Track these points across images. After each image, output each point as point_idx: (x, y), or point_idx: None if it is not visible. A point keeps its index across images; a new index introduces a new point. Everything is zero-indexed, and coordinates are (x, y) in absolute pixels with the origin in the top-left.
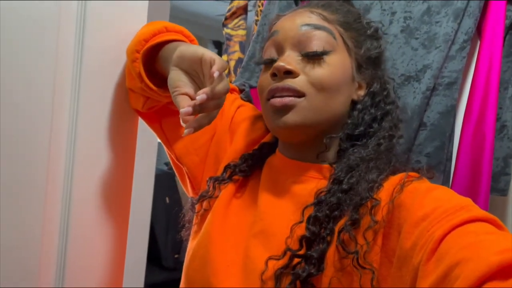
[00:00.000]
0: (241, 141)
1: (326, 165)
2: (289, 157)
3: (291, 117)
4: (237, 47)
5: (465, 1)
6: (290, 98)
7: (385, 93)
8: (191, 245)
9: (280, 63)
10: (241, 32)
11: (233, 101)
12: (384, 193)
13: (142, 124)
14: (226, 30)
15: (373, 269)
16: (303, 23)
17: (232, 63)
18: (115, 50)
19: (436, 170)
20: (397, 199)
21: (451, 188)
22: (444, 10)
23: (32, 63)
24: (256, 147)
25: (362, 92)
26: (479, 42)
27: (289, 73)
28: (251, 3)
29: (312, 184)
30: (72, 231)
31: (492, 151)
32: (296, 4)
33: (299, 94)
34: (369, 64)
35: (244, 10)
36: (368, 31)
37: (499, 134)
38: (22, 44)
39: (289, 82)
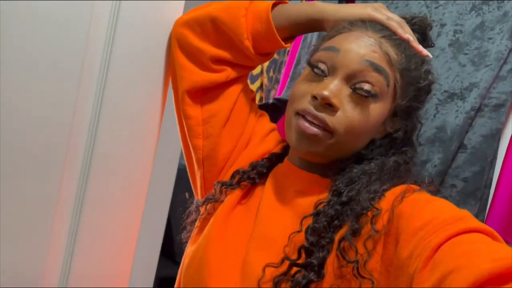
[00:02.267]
0: (254, 150)
1: (329, 179)
2: (296, 166)
3: (314, 148)
4: (273, 56)
5: None
6: (319, 131)
7: (407, 137)
8: (190, 249)
9: (325, 93)
10: None
11: (256, 111)
12: (385, 203)
13: (166, 121)
14: None
15: (373, 279)
16: (367, 58)
17: (266, 63)
18: (145, 44)
19: (473, 197)
20: (396, 209)
21: (487, 217)
22: (499, 27)
23: (61, 56)
24: (265, 157)
25: (384, 134)
26: None
27: (330, 106)
28: None
29: (314, 195)
30: (84, 219)
31: None
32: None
33: (329, 130)
34: (404, 114)
35: None
36: (422, 82)
37: None
38: (52, 39)
39: (325, 116)
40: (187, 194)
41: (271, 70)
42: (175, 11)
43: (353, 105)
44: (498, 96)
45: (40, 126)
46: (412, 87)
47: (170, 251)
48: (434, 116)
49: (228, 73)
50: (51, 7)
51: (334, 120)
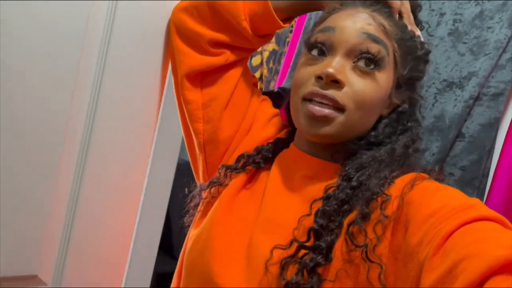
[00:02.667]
0: (257, 134)
1: (338, 164)
2: (303, 151)
3: (326, 130)
4: (272, 38)
5: None
6: (330, 111)
7: (411, 111)
8: (192, 233)
9: (330, 70)
10: None
11: (258, 95)
12: (394, 190)
13: (166, 114)
14: None
15: (382, 264)
16: (364, 30)
17: (266, 54)
18: (144, 31)
19: (470, 186)
20: (406, 196)
21: None
22: (499, 16)
23: (56, 56)
24: (270, 141)
25: (390, 109)
26: None
27: (336, 82)
28: None
29: (322, 180)
30: (79, 213)
31: None
32: None
33: (339, 108)
34: (408, 85)
35: None
36: (419, 51)
37: None
38: (48, 39)
39: (333, 93)
40: (187, 190)
41: (271, 61)
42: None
43: (359, 78)
44: (497, 85)
45: (38, 115)
46: (410, 56)
47: (169, 247)
48: (433, 105)
49: (227, 56)
50: (46, 7)
51: (343, 96)
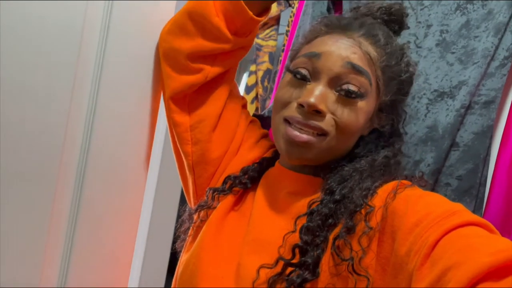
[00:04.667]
0: (245, 155)
1: (321, 178)
2: (287, 168)
3: (306, 155)
4: (266, 58)
5: (507, 15)
6: (309, 137)
7: (394, 129)
8: (183, 258)
9: (311, 100)
10: (272, 43)
11: (246, 116)
12: (378, 200)
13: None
14: (256, 40)
15: (368, 276)
16: (348, 59)
17: (260, 74)
18: (138, 46)
19: (468, 195)
20: (390, 206)
21: (483, 216)
22: (485, 24)
23: (55, 59)
24: (257, 161)
25: (371, 129)
26: None
27: (318, 112)
28: (284, 14)
29: (306, 195)
30: (79, 229)
31: None
32: (329, 12)
33: (320, 134)
34: (389, 108)
35: (276, 20)
36: (404, 75)
37: None
38: (46, 41)
39: (314, 121)
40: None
41: (266, 80)
42: (166, 17)
43: (340, 107)
44: (488, 93)
45: (34, 136)
46: (395, 81)
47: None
48: (425, 115)
49: (207, 72)
50: (43, 17)
51: (324, 125)
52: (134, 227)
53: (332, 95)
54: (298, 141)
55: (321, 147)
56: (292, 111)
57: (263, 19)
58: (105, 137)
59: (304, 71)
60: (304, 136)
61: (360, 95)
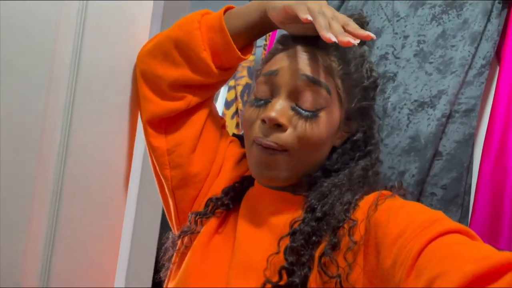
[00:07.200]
0: (226, 176)
1: (301, 195)
2: (266, 187)
3: (274, 173)
4: (245, 72)
5: (482, 24)
6: (272, 157)
7: (367, 136)
8: (170, 286)
9: (272, 114)
10: (250, 57)
11: (226, 137)
12: (360, 214)
13: None
14: None
15: None
16: (304, 72)
17: (239, 88)
18: (115, 55)
19: (454, 204)
20: (372, 218)
21: (470, 224)
22: (460, 34)
23: (28, 64)
24: (237, 181)
25: (343, 138)
26: (498, 68)
27: (279, 126)
28: None
29: (288, 213)
30: (55, 258)
31: None
32: None
33: (283, 149)
34: (358, 115)
35: None
36: (366, 81)
37: None
38: (18, 45)
39: (275, 138)
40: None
41: (245, 95)
42: (142, 39)
43: (301, 120)
44: (467, 101)
45: (7, 156)
46: (357, 88)
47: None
48: (407, 126)
49: (189, 100)
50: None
51: (286, 138)
52: (115, 252)
53: (292, 108)
54: (265, 162)
55: (288, 163)
56: (256, 132)
57: (248, 57)
58: (81, 157)
59: (264, 93)
60: (269, 157)
61: (316, 110)
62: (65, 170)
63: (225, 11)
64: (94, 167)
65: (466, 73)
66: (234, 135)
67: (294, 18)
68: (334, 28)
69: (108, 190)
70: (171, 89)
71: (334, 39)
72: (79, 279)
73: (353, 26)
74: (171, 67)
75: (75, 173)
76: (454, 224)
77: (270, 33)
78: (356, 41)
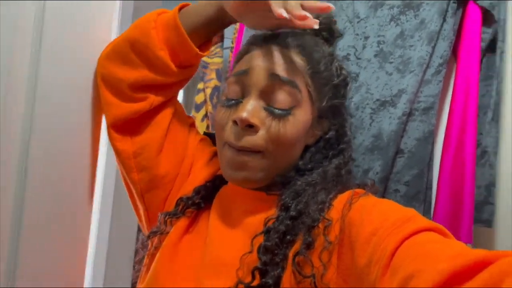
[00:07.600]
0: (198, 174)
1: (275, 194)
2: (239, 185)
3: (246, 175)
4: (213, 75)
5: (438, 24)
6: (248, 157)
7: (340, 134)
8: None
9: (243, 115)
10: (217, 59)
11: (195, 135)
12: (334, 213)
13: None
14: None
15: None
16: (273, 71)
17: (208, 91)
18: (76, 56)
19: (416, 200)
20: (346, 218)
21: (432, 219)
22: (418, 34)
23: None
24: (209, 180)
25: (316, 137)
26: (455, 66)
27: (251, 127)
28: (227, 30)
29: (262, 212)
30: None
31: (473, 179)
32: None
33: (257, 151)
34: (329, 113)
35: (220, 37)
36: (336, 79)
37: (480, 161)
38: None
39: (248, 140)
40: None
41: (215, 97)
42: (102, 44)
43: (273, 120)
44: (426, 100)
45: None
46: (327, 87)
47: None
48: (370, 125)
49: (152, 100)
50: None
51: (258, 140)
52: (83, 252)
53: (263, 108)
54: (237, 163)
55: (261, 165)
56: (228, 133)
57: (207, 54)
58: (42, 167)
59: (235, 93)
60: (243, 157)
61: (287, 109)
62: (27, 177)
63: (180, 8)
64: (56, 175)
65: (424, 72)
66: (205, 133)
67: (251, 8)
68: (290, 4)
69: (73, 195)
70: (132, 90)
71: (285, 14)
72: (46, 279)
73: (309, 3)
74: (130, 68)
75: (38, 183)
76: (427, 222)
77: (237, 35)
78: (314, 21)
